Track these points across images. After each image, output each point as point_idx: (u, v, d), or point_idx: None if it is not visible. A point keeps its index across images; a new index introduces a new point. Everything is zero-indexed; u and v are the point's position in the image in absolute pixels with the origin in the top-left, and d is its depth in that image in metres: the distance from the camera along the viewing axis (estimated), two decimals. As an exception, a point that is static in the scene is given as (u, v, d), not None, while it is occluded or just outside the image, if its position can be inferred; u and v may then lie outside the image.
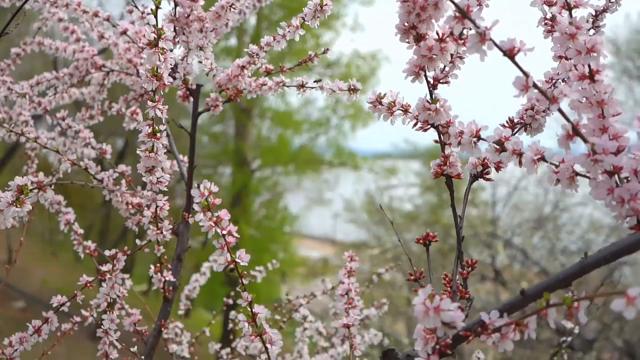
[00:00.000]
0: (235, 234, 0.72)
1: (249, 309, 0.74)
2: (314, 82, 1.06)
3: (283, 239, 10.97)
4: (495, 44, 0.58)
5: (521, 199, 7.72)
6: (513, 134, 0.80)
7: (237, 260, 0.72)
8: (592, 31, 0.82)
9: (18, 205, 0.76)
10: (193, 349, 1.50)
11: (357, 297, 1.05)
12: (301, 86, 1.06)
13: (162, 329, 1.11)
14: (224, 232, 0.71)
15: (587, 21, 0.83)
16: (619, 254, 0.57)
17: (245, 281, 0.75)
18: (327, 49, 1.13)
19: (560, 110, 0.59)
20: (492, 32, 0.58)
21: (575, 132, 0.59)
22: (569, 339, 1.22)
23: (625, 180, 0.61)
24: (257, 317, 0.74)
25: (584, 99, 0.63)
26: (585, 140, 0.59)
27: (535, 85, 0.58)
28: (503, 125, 0.80)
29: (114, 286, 1.01)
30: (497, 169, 0.78)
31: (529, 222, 7.13)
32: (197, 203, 0.70)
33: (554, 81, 0.81)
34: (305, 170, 11.47)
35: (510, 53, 0.58)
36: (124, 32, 1.12)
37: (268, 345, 0.74)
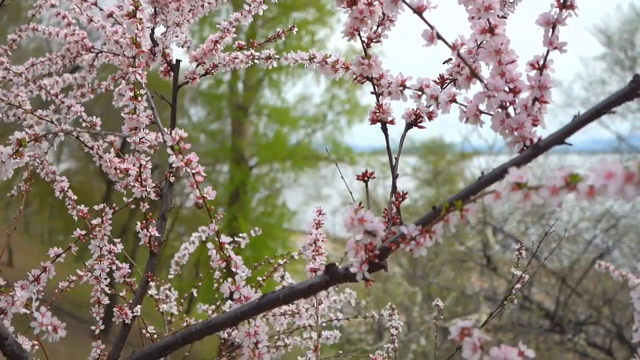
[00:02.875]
0: (203, 174, 0.84)
1: (217, 239, 0.87)
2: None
3: (282, 235, 11.06)
4: (406, 3, 0.71)
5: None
6: (442, 88, 0.92)
7: (205, 195, 0.85)
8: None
9: (17, 156, 0.89)
10: (182, 307, 1.64)
11: (323, 246, 1.19)
12: (268, 57, 1.19)
13: (149, 280, 1.24)
14: (194, 171, 0.84)
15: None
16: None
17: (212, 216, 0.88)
18: (293, 26, 1.26)
19: (459, 56, 0.72)
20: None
21: (473, 74, 0.72)
22: (518, 285, 1.35)
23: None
24: (224, 245, 0.87)
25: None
26: (481, 80, 0.72)
27: (438, 36, 0.71)
28: (434, 81, 0.92)
29: (103, 237, 1.14)
30: (429, 118, 0.90)
31: (520, 209, 7.23)
32: (169, 146, 0.83)
33: (479, 42, 0.93)
34: (303, 167, 11.59)
35: (419, 10, 0.71)
36: (110, 15, 1.25)
37: (234, 269, 0.87)
